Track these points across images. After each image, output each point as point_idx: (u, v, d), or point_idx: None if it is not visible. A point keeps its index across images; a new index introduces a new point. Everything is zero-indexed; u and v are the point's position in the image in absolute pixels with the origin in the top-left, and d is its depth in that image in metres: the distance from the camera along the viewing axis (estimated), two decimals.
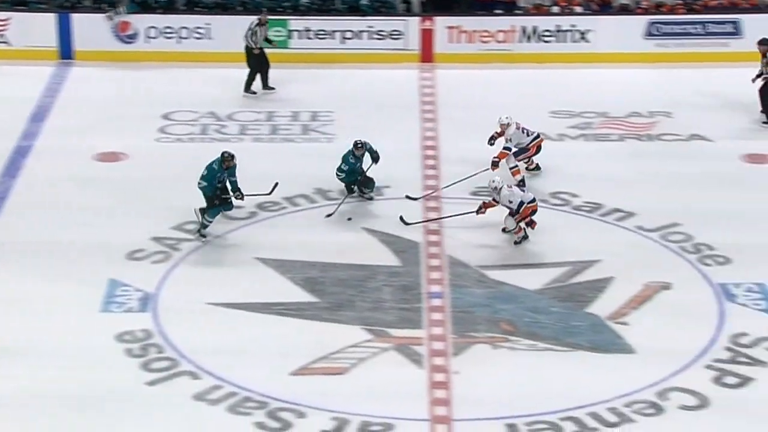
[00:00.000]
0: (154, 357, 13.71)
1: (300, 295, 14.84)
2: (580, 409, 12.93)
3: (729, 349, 13.78)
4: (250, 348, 13.85)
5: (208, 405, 13.01)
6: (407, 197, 16.58)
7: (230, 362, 13.55)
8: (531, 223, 15.76)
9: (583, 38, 20.91)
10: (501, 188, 15.73)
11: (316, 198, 16.82)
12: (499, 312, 14.56)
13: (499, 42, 20.96)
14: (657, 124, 18.81)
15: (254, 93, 19.86)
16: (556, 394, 13.17)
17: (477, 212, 15.90)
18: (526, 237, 15.78)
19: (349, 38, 20.82)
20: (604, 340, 14.05)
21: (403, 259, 15.49)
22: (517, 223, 15.72)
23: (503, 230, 15.91)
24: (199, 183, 15.65)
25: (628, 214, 16.39)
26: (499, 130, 17.05)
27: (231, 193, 15.75)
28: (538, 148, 17.09)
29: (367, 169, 16.60)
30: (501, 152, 16.84)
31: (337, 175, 16.50)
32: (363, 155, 16.48)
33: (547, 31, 20.92)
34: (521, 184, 16.66)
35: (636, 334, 14.07)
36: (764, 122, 18.67)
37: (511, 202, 15.68)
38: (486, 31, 20.96)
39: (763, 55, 18.55)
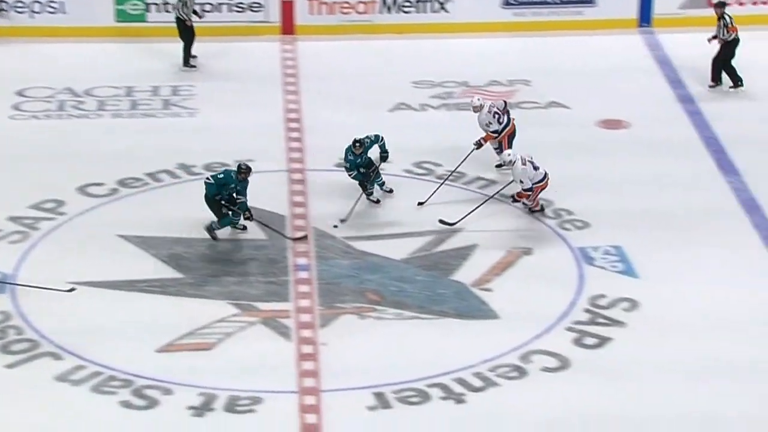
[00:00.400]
0: (13, 339, 13.40)
1: (164, 272, 14.65)
2: (446, 375, 13.04)
3: (588, 311, 14.03)
4: (113, 326, 13.64)
5: (71, 386, 12.79)
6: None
7: (93, 341, 13.33)
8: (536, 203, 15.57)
9: (442, 8, 20.99)
10: (516, 162, 15.20)
11: (179, 173, 16.61)
12: (365, 282, 14.59)
13: (359, 13, 20.93)
14: (516, 93, 19.02)
15: (194, 66, 19.54)
16: (422, 361, 13.26)
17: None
18: (541, 208, 15.55)
19: (208, 11, 20.55)
20: (469, 306, 14.20)
21: (269, 233, 15.42)
22: (518, 197, 15.42)
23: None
24: (206, 180, 15.05)
25: (490, 182, 16.56)
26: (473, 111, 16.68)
27: (239, 210, 15.03)
28: (510, 137, 16.49)
29: (373, 168, 15.88)
30: (487, 135, 16.49)
31: (348, 175, 15.86)
32: (364, 152, 15.73)
33: (407, 1, 20.95)
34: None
35: (499, 299, 14.24)
36: (711, 86, 18.92)
37: (522, 182, 15.17)
38: (346, 2, 20.90)
39: (719, 18, 18.75)
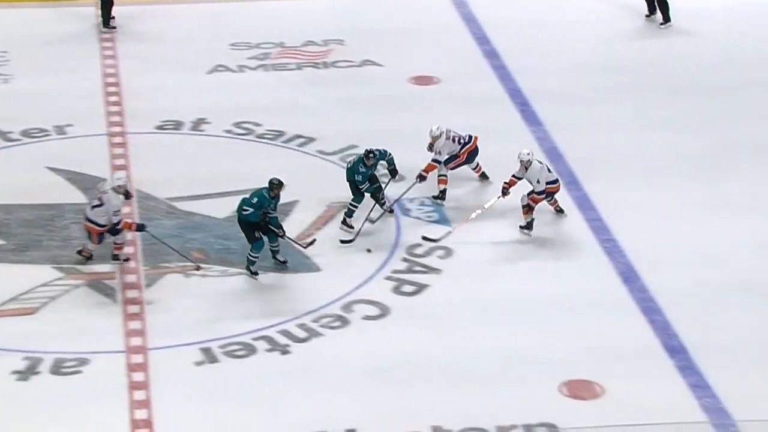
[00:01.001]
0: None
1: None
2: (271, 328, 13.02)
3: (405, 260, 14.16)
4: None
5: None
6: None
7: None
8: (554, 203, 14.63)
9: None
10: (532, 162, 14.26)
11: None
12: (189, 241, 14.41)
13: None
14: (331, 52, 18.97)
15: (114, 28, 18.88)
16: (248, 316, 13.22)
17: (503, 195, 14.42)
18: (531, 224, 14.43)
19: None
20: (292, 260, 14.15)
21: (91, 196, 15.03)
22: (530, 202, 14.36)
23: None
24: (243, 211, 13.61)
25: (309, 140, 16.50)
26: (430, 141, 15.23)
27: (273, 227, 13.80)
28: (470, 154, 15.26)
29: (386, 185, 14.87)
30: (429, 164, 15.05)
31: (360, 189, 14.59)
32: (374, 165, 14.60)
33: None
34: (441, 195, 15.05)
35: (321, 253, 14.24)
36: (646, 16, 19.29)
37: (539, 181, 14.25)
38: None
39: None
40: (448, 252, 14.23)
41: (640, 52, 18.74)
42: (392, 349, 12.74)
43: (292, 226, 14.67)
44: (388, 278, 13.83)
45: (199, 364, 12.52)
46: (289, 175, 15.48)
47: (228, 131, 16.56)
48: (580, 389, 12.10)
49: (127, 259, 13.92)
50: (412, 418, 11.72)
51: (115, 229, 13.59)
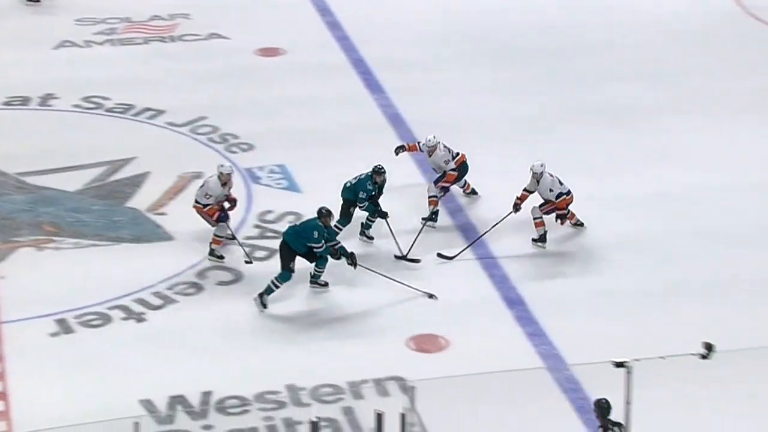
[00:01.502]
0: None
1: None
2: (127, 296, 12.92)
3: (257, 226, 14.20)
4: None
5: None
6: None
7: None
8: (564, 216, 13.68)
9: None
10: (543, 173, 13.51)
11: None
12: (41, 215, 14.18)
13: None
14: (178, 26, 18.77)
15: (38, 1, 18.23)
16: (102, 286, 13.10)
17: (515, 210, 13.62)
18: (543, 237, 13.66)
19: None
20: (145, 231, 14.06)
21: None
22: (543, 213, 13.61)
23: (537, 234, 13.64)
24: (316, 248, 12.55)
25: (159, 112, 16.36)
26: (428, 151, 14.13)
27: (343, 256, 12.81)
28: (462, 168, 14.18)
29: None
30: (449, 174, 14.07)
31: (360, 207, 13.66)
32: (383, 183, 13.66)
33: None
34: (433, 217, 13.97)
35: (174, 222, 14.18)
36: None
37: (551, 191, 13.49)
38: None
39: None
40: (299, 218, 14.28)
41: (473, 21, 19.05)
42: (246, 313, 12.78)
43: (144, 196, 14.59)
44: (242, 244, 13.83)
45: (54, 335, 12.36)
46: (140, 147, 15.42)
47: (77, 106, 16.30)
48: (425, 343, 12.36)
49: (249, 262, 13.30)
50: (267, 378, 11.80)
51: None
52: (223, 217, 13.43)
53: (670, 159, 15.42)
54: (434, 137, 14.17)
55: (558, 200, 13.57)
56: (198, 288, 13.16)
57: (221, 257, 13.50)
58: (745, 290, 13.06)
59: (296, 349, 12.25)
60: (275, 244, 13.66)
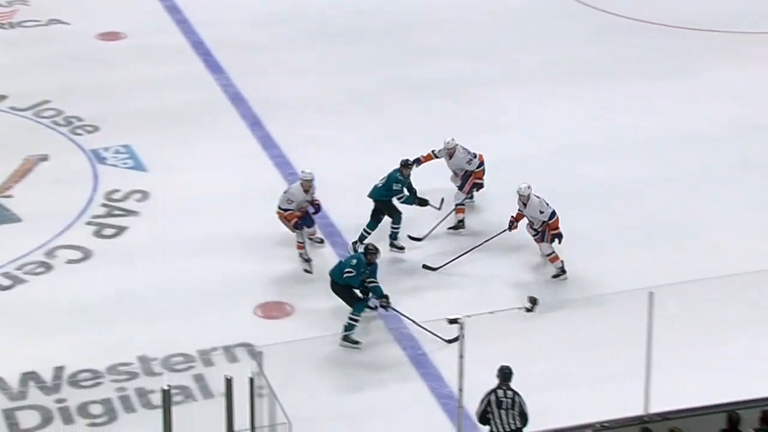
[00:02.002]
0: None
1: None
2: None
3: (104, 205, 14.19)
4: None
5: None
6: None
7: None
8: (560, 236, 12.91)
9: None
10: (530, 195, 12.80)
11: None
12: None
13: None
14: (16, 12, 18.48)
15: None
16: None
17: (510, 228, 13.05)
18: (563, 269, 12.91)
19: None
20: None
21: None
22: (551, 242, 12.88)
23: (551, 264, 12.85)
24: (347, 273, 11.97)
25: (1, 97, 16.16)
26: (448, 153, 13.54)
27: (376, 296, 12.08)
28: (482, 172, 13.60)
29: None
30: (476, 172, 13.55)
31: (399, 199, 13.18)
32: (409, 176, 13.21)
33: None
34: (460, 225, 13.49)
35: (21, 204, 14.10)
36: None
37: (542, 212, 12.81)
38: None
39: None
40: (145, 195, 14.35)
41: (310, 2, 19.23)
42: (96, 290, 12.79)
43: None
44: (89, 223, 13.83)
45: None
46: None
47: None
48: (272, 310, 12.58)
49: (308, 271, 13.03)
50: (120, 351, 11.85)
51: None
52: (299, 225, 13.11)
53: (498, 128, 15.85)
54: (453, 139, 13.53)
55: (551, 220, 12.89)
56: (47, 267, 13.11)
57: (309, 260, 13.03)
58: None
59: (146, 322, 12.31)
60: (122, 222, 13.71)
